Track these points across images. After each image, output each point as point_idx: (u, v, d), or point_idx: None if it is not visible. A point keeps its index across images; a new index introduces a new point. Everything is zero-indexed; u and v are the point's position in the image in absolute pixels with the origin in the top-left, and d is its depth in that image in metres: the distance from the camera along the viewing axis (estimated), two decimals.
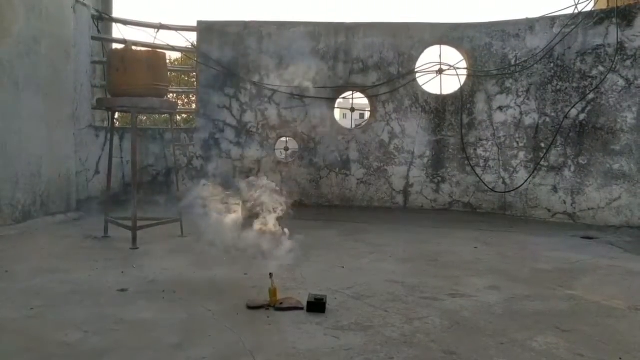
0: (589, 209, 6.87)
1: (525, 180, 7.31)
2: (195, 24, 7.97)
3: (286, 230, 4.02)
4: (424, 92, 7.89)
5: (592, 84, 6.85)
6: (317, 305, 3.15)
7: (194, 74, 8.48)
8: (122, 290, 3.52)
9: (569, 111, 6.99)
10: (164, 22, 7.88)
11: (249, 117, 7.94)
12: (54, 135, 6.17)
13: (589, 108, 6.89)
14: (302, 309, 3.17)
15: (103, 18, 7.67)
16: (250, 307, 3.19)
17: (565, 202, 7.05)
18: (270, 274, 3.27)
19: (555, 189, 7.14)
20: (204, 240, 4.46)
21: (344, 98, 8.34)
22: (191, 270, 4.11)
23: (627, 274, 4.29)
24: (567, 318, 3.15)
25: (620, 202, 6.65)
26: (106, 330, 2.79)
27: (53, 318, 2.95)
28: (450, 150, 7.81)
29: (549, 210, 7.18)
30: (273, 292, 3.22)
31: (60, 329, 2.79)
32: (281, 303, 3.21)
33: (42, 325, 2.85)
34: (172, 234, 5.39)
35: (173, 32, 8.08)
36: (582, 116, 6.94)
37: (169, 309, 3.18)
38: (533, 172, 7.27)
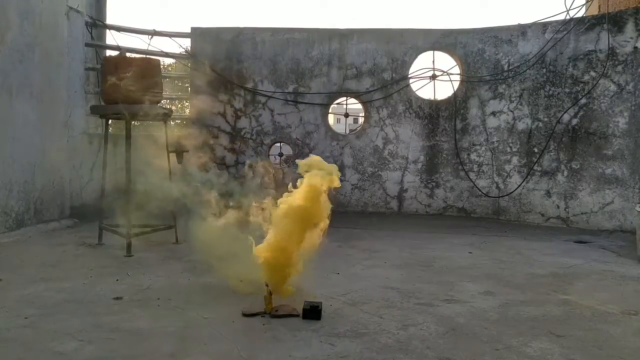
0: (582, 214, 6.92)
1: (519, 185, 7.35)
2: (189, 31, 7.98)
3: None
4: (418, 98, 7.93)
5: (584, 89, 6.91)
6: (312, 312, 3.15)
7: (188, 79, 8.49)
8: (117, 298, 3.51)
9: (562, 116, 7.04)
10: (158, 28, 7.89)
11: (243, 123, 7.95)
12: (47, 142, 6.15)
13: (581, 113, 6.95)
14: (297, 316, 3.17)
15: (97, 25, 7.66)
16: (245, 315, 3.19)
17: (558, 207, 7.10)
18: (266, 282, 3.27)
19: (548, 194, 7.18)
20: (198, 247, 4.44)
21: (338, 103, 8.36)
22: (186, 277, 4.10)
23: (621, 278, 4.32)
24: (562, 323, 3.17)
25: (613, 206, 6.70)
26: (101, 339, 2.78)
27: (48, 327, 2.94)
28: (444, 156, 7.85)
29: (543, 215, 7.22)
30: (268, 300, 3.22)
31: (55, 338, 2.77)
32: (277, 310, 3.21)
33: (37, 334, 2.83)
34: (166, 241, 5.38)
35: (167, 39, 8.08)
36: (574, 121, 7.00)
37: (164, 317, 3.17)
38: (526, 176, 7.31)
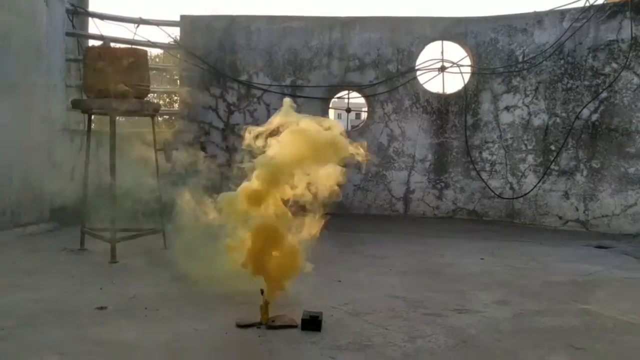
0: (602, 216, 6.93)
1: (535, 186, 7.36)
2: (178, 19, 7.99)
3: None
4: (425, 92, 7.93)
5: (605, 82, 6.92)
6: (312, 323, 3.15)
7: (177, 72, 8.49)
8: (101, 308, 3.51)
9: (581, 111, 7.05)
10: (145, 16, 7.90)
11: (236, 118, 7.95)
12: (24, 140, 6.14)
13: (601, 108, 6.96)
14: (296, 327, 3.18)
15: (78, 12, 7.65)
16: (240, 326, 3.19)
17: (577, 209, 7.10)
18: (262, 290, 3.27)
19: (566, 195, 7.19)
20: (188, 253, 4.44)
21: (339, 98, 8.37)
22: (175, 285, 4.10)
23: None
24: (581, 335, 3.17)
25: (636, 208, 6.71)
26: (84, 352, 2.79)
27: (27, 339, 2.94)
28: (454, 154, 7.85)
29: (560, 218, 7.22)
30: (264, 309, 3.23)
31: (35, 351, 2.78)
32: (273, 321, 3.21)
33: (15, 347, 2.84)
34: (154, 246, 5.37)
35: (154, 27, 8.08)
36: (594, 116, 7.01)
37: (152, 328, 3.18)
38: (543, 176, 7.32)
